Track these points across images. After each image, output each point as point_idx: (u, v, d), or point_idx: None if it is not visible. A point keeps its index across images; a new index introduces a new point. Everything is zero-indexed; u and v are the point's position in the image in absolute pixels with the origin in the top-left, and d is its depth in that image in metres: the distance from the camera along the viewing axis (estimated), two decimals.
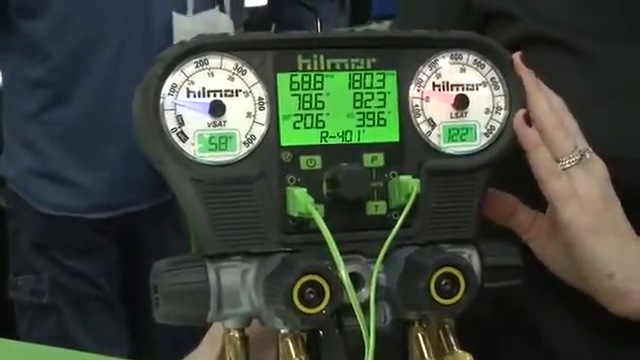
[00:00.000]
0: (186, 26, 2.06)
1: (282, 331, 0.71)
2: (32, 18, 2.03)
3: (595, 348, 0.91)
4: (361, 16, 4.09)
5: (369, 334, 0.67)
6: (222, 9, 2.21)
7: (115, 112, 1.98)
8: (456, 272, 0.68)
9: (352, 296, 0.67)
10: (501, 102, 0.76)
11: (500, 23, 0.91)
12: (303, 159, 0.71)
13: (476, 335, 0.76)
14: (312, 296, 0.66)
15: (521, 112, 0.76)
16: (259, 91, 0.71)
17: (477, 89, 0.75)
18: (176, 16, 2.09)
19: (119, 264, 2.20)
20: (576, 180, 0.77)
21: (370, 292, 0.69)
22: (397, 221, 0.71)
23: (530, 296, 0.90)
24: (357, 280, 0.71)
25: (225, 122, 0.70)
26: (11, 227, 2.19)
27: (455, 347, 0.74)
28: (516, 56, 0.77)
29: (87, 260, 2.15)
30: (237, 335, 0.73)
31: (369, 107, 0.73)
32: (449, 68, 0.75)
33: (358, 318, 0.67)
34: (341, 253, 0.67)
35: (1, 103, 2.21)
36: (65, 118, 2.10)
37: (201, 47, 0.70)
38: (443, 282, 0.68)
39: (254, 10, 3.78)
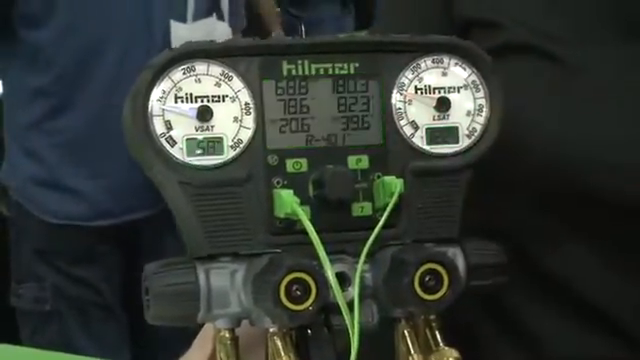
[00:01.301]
0: (184, 34, 2.08)
1: (271, 330, 0.72)
2: (35, 27, 2.05)
3: (584, 349, 0.92)
4: (365, 19, 4.06)
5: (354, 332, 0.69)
6: (220, 17, 2.22)
7: (117, 119, 1.97)
8: (439, 268, 0.69)
9: (338, 294, 0.69)
10: (482, 104, 0.77)
11: (483, 31, 0.91)
12: (289, 162, 0.73)
13: (462, 339, 0.77)
14: (299, 293, 0.67)
15: None
16: (245, 97, 0.72)
17: (458, 92, 0.76)
18: (174, 24, 2.10)
19: (120, 270, 2.21)
20: None
21: (355, 290, 0.70)
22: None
23: (517, 297, 0.91)
24: (344, 279, 0.72)
25: (212, 127, 0.72)
26: (13, 235, 2.21)
27: (441, 344, 0.76)
28: None
29: (89, 267, 2.16)
30: (227, 335, 0.74)
31: (353, 111, 0.74)
32: (431, 72, 0.76)
33: (345, 316, 0.69)
34: (327, 253, 0.69)
35: (2, 112, 2.23)
36: (67, 126, 2.11)
37: (188, 54, 0.72)
38: (427, 278, 0.69)
39: None
